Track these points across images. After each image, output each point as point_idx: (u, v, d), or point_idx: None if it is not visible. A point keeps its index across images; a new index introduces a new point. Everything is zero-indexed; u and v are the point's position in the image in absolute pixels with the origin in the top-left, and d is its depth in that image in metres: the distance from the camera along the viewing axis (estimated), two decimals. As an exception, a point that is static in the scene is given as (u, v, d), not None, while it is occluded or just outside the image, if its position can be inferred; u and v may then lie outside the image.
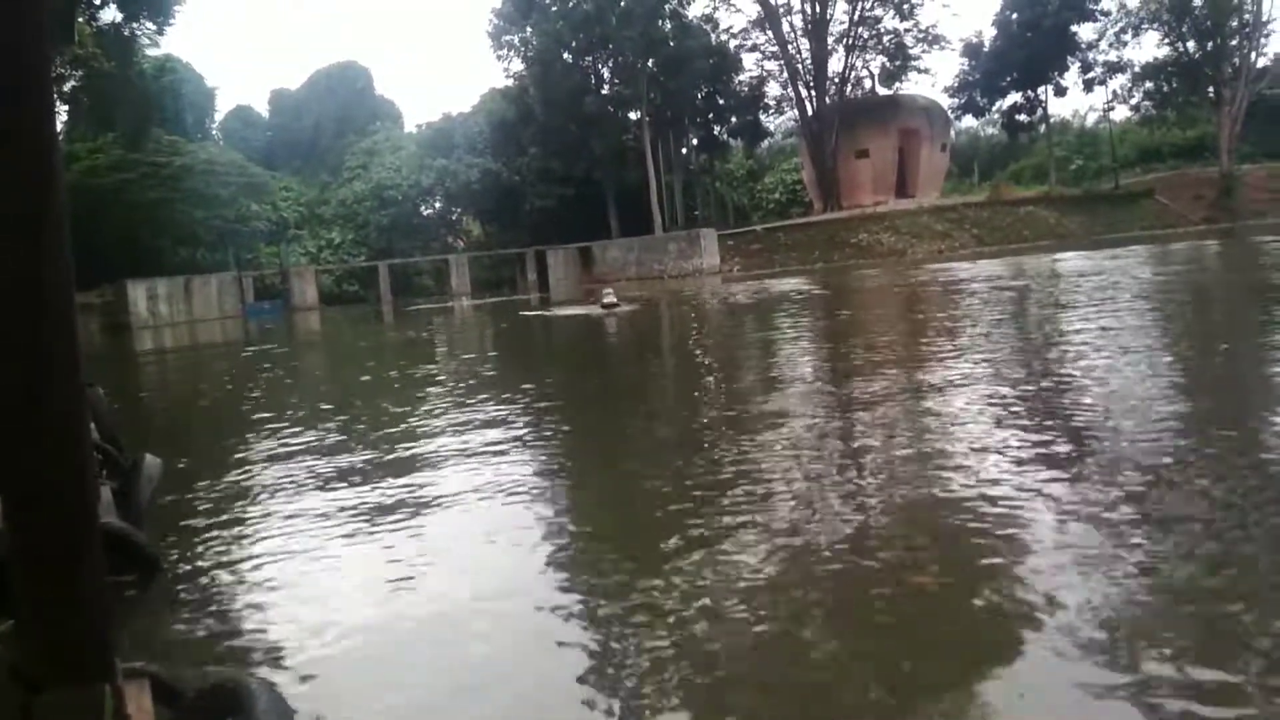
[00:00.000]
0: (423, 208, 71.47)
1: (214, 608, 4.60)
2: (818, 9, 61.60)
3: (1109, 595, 3.61)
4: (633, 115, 63.51)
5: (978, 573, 4.05)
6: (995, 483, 5.30)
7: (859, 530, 4.77)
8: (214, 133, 73.24)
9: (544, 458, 7.70)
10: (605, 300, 26.15)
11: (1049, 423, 6.90)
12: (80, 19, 38.23)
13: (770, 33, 63.94)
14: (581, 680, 3.42)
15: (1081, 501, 4.83)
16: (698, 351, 14.79)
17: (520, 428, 8.95)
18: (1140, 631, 3.31)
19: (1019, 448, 6.15)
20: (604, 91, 63.69)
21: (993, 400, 7.93)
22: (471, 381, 13.79)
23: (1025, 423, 7.00)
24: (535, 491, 6.34)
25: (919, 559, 4.34)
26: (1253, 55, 60.78)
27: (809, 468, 6.23)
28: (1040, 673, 3.13)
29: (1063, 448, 6.08)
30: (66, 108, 47.50)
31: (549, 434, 8.76)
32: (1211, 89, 61.66)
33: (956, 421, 7.23)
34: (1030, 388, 8.60)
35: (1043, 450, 6.02)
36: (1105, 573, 3.82)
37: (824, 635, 3.70)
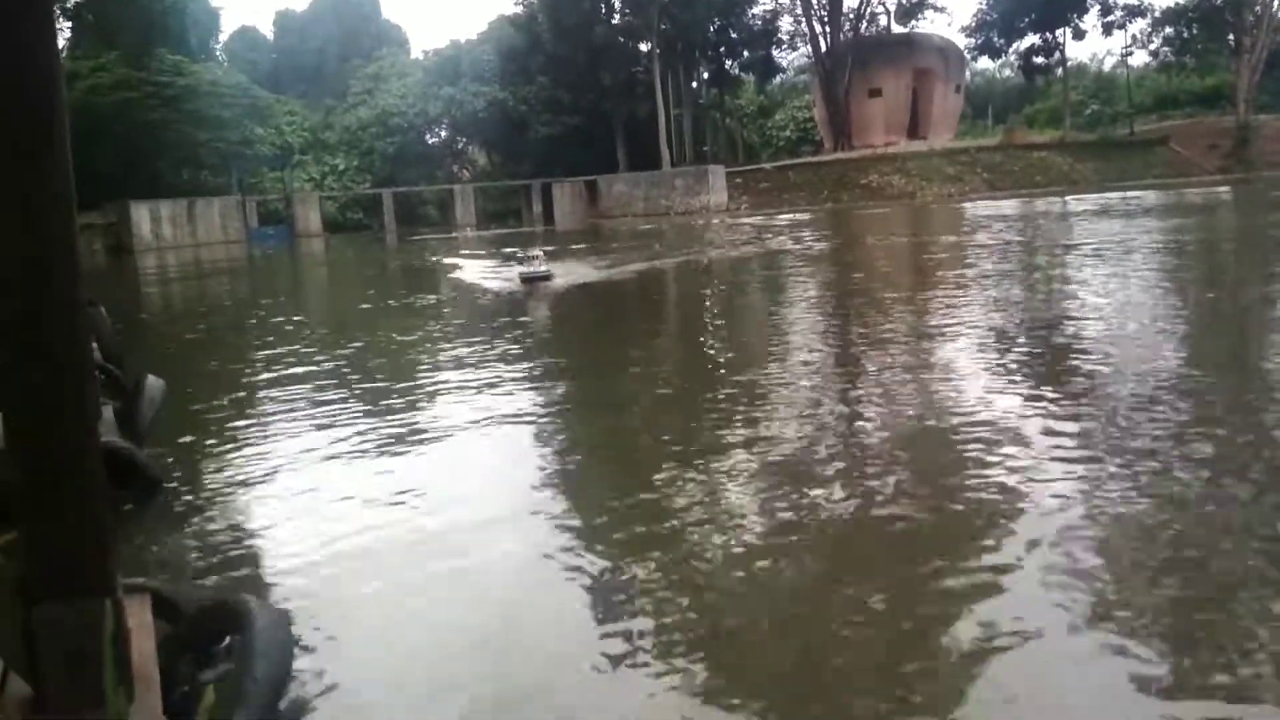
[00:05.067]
0: (428, 136, 70.58)
1: (214, 525, 4.67)
2: (834, -58, 60.19)
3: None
4: (643, 47, 62.36)
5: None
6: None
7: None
8: (218, 53, 72.06)
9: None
10: (526, 269, 17.74)
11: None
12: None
13: (785, -35, 62.59)
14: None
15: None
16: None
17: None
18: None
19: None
20: (614, 21, 62.53)
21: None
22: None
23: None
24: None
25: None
26: (1275, 3, 59.34)
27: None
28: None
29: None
30: (69, 24, 46.82)
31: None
32: (1231, 36, 60.44)
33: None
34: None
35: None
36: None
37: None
